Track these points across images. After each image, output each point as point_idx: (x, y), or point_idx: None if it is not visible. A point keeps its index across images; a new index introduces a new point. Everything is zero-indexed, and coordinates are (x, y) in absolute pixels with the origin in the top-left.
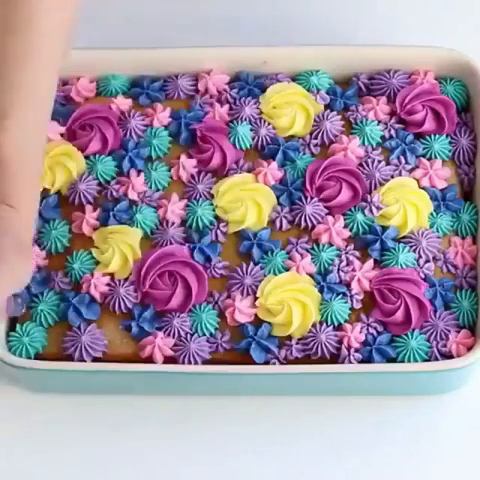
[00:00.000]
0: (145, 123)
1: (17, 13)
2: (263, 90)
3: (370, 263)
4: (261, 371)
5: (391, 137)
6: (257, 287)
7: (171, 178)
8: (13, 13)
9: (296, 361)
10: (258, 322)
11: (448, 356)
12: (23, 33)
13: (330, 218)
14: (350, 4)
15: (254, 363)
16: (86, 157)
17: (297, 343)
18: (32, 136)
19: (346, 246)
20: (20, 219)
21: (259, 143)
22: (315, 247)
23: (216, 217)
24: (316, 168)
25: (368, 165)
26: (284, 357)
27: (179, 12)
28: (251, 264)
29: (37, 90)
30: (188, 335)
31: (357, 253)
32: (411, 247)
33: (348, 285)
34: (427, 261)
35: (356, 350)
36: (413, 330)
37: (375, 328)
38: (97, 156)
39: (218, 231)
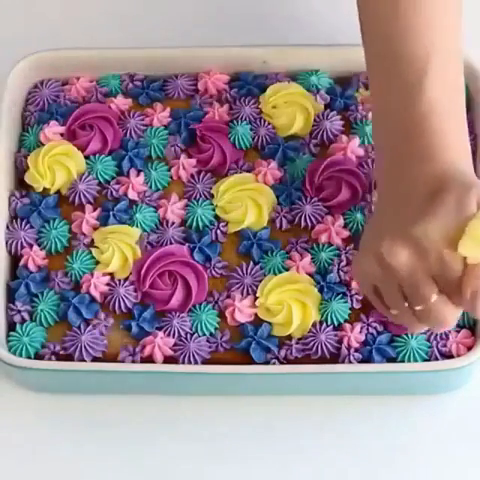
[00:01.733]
0: (145, 123)
1: None
2: (263, 90)
3: None
4: (261, 371)
5: None
6: (257, 287)
7: (171, 178)
8: None
9: (296, 361)
10: (258, 322)
11: (448, 356)
12: None
13: (330, 218)
14: (350, 4)
15: (254, 363)
16: (86, 157)
17: (297, 343)
18: (453, 81)
19: (346, 246)
20: (466, 165)
21: (259, 143)
22: (315, 247)
23: (216, 217)
24: (316, 168)
25: (368, 165)
26: (284, 357)
27: (179, 12)
28: (251, 264)
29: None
30: (188, 335)
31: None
32: None
33: (348, 285)
34: None
35: (356, 350)
36: None
37: (375, 328)
38: (97, 156)
39: (218, 231)
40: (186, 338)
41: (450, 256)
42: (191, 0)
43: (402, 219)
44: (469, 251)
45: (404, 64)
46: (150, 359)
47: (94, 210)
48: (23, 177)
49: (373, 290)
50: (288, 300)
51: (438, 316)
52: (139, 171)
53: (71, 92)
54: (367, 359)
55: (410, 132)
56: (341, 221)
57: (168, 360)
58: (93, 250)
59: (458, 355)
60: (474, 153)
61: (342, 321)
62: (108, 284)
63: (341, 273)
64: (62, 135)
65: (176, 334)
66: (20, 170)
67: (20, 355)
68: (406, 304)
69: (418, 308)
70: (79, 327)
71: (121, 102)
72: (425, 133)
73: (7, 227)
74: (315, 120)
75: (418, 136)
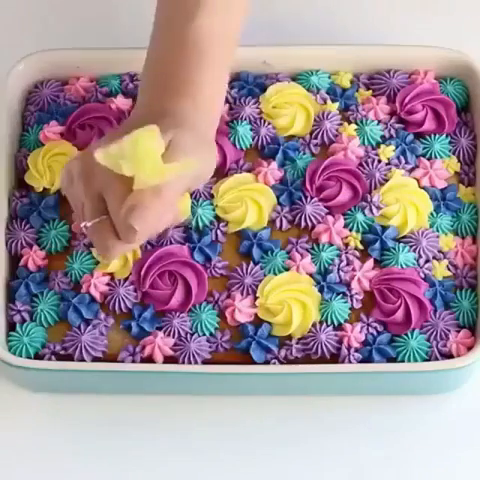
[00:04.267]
0: None
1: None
2: (263, 90)
3: (370, 263)
4: (261, 371)
5: (391, 137)
6: (257, 287)
7: None
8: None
9: (296, 361)
10: (258, 322)
11: (448, 356)
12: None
13: (330, 218)
14: (350, 4)
15: (254, 363)
16: None
17: (297, 343)
18: (220, 29)
19: (346, 246)
20: (200, 112)
21: (259, 143)
22: (315, 247)
23: (216, 217)
24: (316, 168)
25: (368, 165)
26: (284, 357)
27: None
28: (251, 264)
29: None
30: (188, 335)
31: (357, 253)
32: (411, 247)
33: (348, 285)
34: (427, 261)
35: (356, 350)
36: (413, 330)
37: (375, 328)
38: None
39: (218, 231)
40: (186, 338)
41: (117, 176)
42: None
43: (107, 139)
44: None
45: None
46: (150, 359)
47: None
48: (23, 177)
49: (69, 196)
50: (288, 300)
51: (101, 236)
52: None
53: (71, 92)
54: (367, 359)
55: (166, 68)
56: (341, 221)
57: (168, 360)
58: (93, 250)
59: (458, 355)
60: (474, 153)
61: (342, 321)
62: (108, 284)
63: (341, 273)
64: (62, 135)
65: (176, 334)
66: (20, 170)
67: (20, 355)
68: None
69: (87, 224)
70: (79, 327)
71: (121, 102)
72: (176, 74)
73: (7, 227)
74: (315, 120)
75: (169, 74)
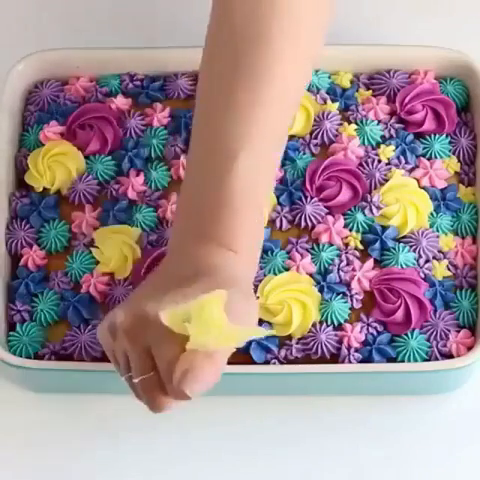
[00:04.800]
0: (145, 123)
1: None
2: None
3: (370, 263)
4: (261, 371)
5: (391, 137)
6: (257, 287)
7: (171, 178)
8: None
9: (296, 361)
10: (258, 322)
11: (448, 356)
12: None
13: (330, 218)
14: (350, 4)
15: (254, 363)
16: (86, 157)
17: (297, 343)
18: (261, 172)
19: (346, 246)
20: (242, 265)
21: None
22: (315, 247)
23: None
24: (316, 168)
25: (368, 165)
26: (284, 357)
27: (179, 12)
28: None
29: (270, 126)
30: None
31: (357, 253)
32: (411, 247)
33: (348, 285)
34: (427, 261)
35: (356, 350)
36: (413, 330)
37: (375, 328)
38: (97, 156)
39: None
40: None
41: (171, 337)
42: (191, 0)
43: (154, 291)
44: (176, 326)
45: (219, 143)
46: None
47: (94, 210)
48: (23, 177)
49: (110, 352)
50: (288, 300)
51: (150, 395)
52: (139, 171)
53: (71, 92)
54: (367, 359)
55: (201, 215)
56: (341, 221)
57: None
58: (93, 250)
59: (458, 355)
60: (474, 153)
61: (342, 321)
62: (108, 284)
63: (341, 273)
64: (62, 135)
65: None
66: (20, 170)
67: (20, 355)
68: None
69: (135, 381)
70: (79, 327)
71: (121, 102)
72: (213, 221)
73: (7, 227)
74: (315, 120)
75: (207, 220)
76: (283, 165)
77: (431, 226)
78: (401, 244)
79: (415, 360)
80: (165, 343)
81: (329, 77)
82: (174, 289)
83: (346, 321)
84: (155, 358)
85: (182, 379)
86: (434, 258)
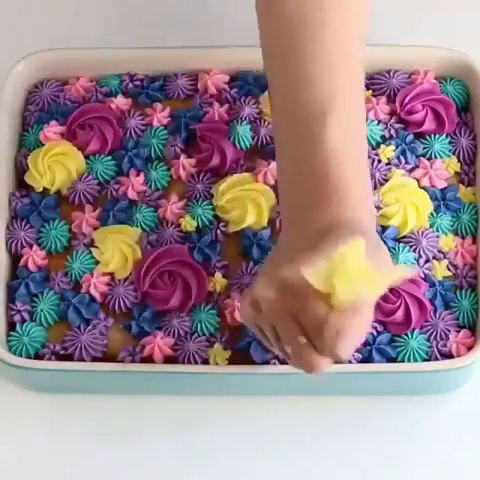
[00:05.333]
0: (145, 123)
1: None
2: (263, 90)
3: None
4: (261, 371)
5: (391, 137)
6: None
7: (171, 178)
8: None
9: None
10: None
11: (448, 356)
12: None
13: None
14: None
15: (254, 363)
16: (86, 157)
17: None
18: (354, 124)
19: None
20: (366, 219)
21: (259, 143)
22: None
23: (216, 217)
24: None
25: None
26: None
27: (179, 12)
28: (251, 264)
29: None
30: (188, 335)
31: None
32: (411, 247)
33: None
34: (427, 261)
35: (356, 350)
36: (413, 330)
37: (375, 328)
38: (97, 156)
39: (218, 231)
40: (186, 338)
41: (315, 297)
42: (191, 0)
43: (284, 258)
44: (329, 287)
45: (303, 113)
46: (150, 359)
47: (94, 210)
48: (23, 177)
49: (255, 327)
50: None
51: (304, 360)
52: (139, 171)
53: (71, 92)
54: (367, 359)
55: (309, 181)
56: None
57: (168, 360)
58: (93, 250)
59: (458, 355)
60: (474, 153)
61: None
62: (108, 284)
63: None
64: (62, 135)
65: (176, 334)
66: (20, 170)
67: (20, 355)
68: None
69: (288, 350)
70: (79, 327)
71: (121, 102)
72: (322, 181)
73: (7, 227)
74: None
75: (315, 185)
76: None
77: (431, 226)
78: (401, 244)
79: (415, 360)
80: (310, 305)
81: None
82: (303, 250)
83: None
84: (302, 322)
85: (334, 343)
86: (434, 258)
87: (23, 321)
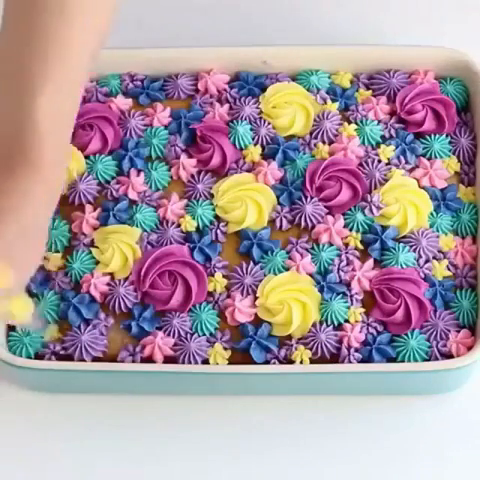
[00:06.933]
0: (145, 123)
1: None
2: (263, 90)
3: (370, 263)
4: (261, 371)
5: (391, 137)
6: (257, 287)
7: (171, 178)
8: None
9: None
10: (258, 322)
11: (448, 356)
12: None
13: (330, 218)
14: (350, 4)
15: (254, 363)
16: (86, 157)
17: (297, 343)
18: (66, 104)
19: (346, 246)
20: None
21: (259, 143)
22: (315, 247)
23: (216, 217)
24: (316, 168)
25: (368, 165)
26: (284, 357)
27: (179, 12)
28: (251, 264)
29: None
30: (188, 335)
31: (357, 253)
32: (411, 247)
33: (348, 285)
34: (427, 261)
35: (356, 350)
36: (413, 330)
37: (375, 328)
38: (97, 156)
39: (218, 231)
40: (186, 338)
41: None
42: (191, 0)
43: None
44: None
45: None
46: (150, 359)
47: (94, 210)
48: None
49: None
50: (288, 300)
51: None
52: (139, 171)
53: None
54: (367, 359)
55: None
56: (341, 221)
57: (168, 360)
58: (93, 250)
59: (458, 355)
60: (474, 153)
61: (342, 321)
62: (108, 284)
63: (341, 273)
64: None
65: (176, 334)
66: None
67: (20, 355)
68: None
69: None
70: (79, 327)
71: (121, 102)
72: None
73: None
74: (315, 120)
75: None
76: (283, 165)
77: (431, 226)
78: (401, 244)
79: (415, 360)
80: None
81: (329, 77)
82: None
83: (346, 321)
84: None
85: None
86: (434, 258)
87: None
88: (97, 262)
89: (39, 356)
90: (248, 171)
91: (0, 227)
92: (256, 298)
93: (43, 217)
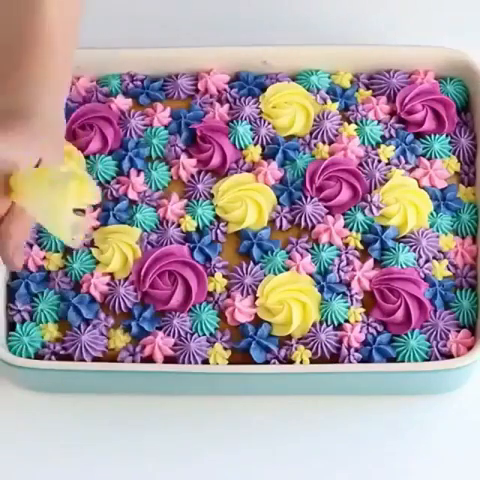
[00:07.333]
0: (145, 123)
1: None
2: (263, 90)
3: (370, 263)
4: (261, 371)
5: (391, 137)
6: (257, 287)
7: (171, 178)
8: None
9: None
10: (258, 322)
11: (448, 356)
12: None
13: (330, 218)
14: (350, 4)
15: (254, 363)
16: (86, 157)
17: (297, 343)
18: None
19: (346, 246)
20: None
21: (259, 143)
22: (315, 247)
23: (216, 217)
24: (316, 168)
25: (368, 165)
26: (284, 357)
27: (179, 12)
28: (251, 264)
29: None
30: (188, 335)
31: (357, 253)
32: (411, 247)
33: (348, 285)
34: (427, 261)
35: (356, 350)
36: (413, 330)
37: (375, 328)
38: (97, 156)
39: (218, 231)
40: (186, 338)
41: None
42: (191, 0)
43: None
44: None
45: None
46: (150, 359)
47: (94, 210)
48: None
49: None
50: (288, 300)
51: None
52: (139, 171)
53: (71, 92)
54: (367, 359)
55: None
56: (341, 221)
57: (168, 360)
58: (93, 250)
59: (458, 355)
60: (474, 153)
61: (342, 321)
62: (108, 284)
63: (341, 273)
64: None
65: (176, 334)
66: None
67: (20, 355)
68: None
69: None
70: (79, 327)
71: (121, 102)
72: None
73: None
74: (315, 120)
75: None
76: (283, 165)
77: (431, 226)
78: (401, 244)
79: (415, 360)
80: None
81: (329, 77)
82: None
83: (346, 321)
84: None
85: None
86: (434, 258)
87: (23, 321)
88: (97, 262)
89: (39, 356)
90: (248, 171)
91: (24, 122)
92: (256, 298)
93: (58, 104)
